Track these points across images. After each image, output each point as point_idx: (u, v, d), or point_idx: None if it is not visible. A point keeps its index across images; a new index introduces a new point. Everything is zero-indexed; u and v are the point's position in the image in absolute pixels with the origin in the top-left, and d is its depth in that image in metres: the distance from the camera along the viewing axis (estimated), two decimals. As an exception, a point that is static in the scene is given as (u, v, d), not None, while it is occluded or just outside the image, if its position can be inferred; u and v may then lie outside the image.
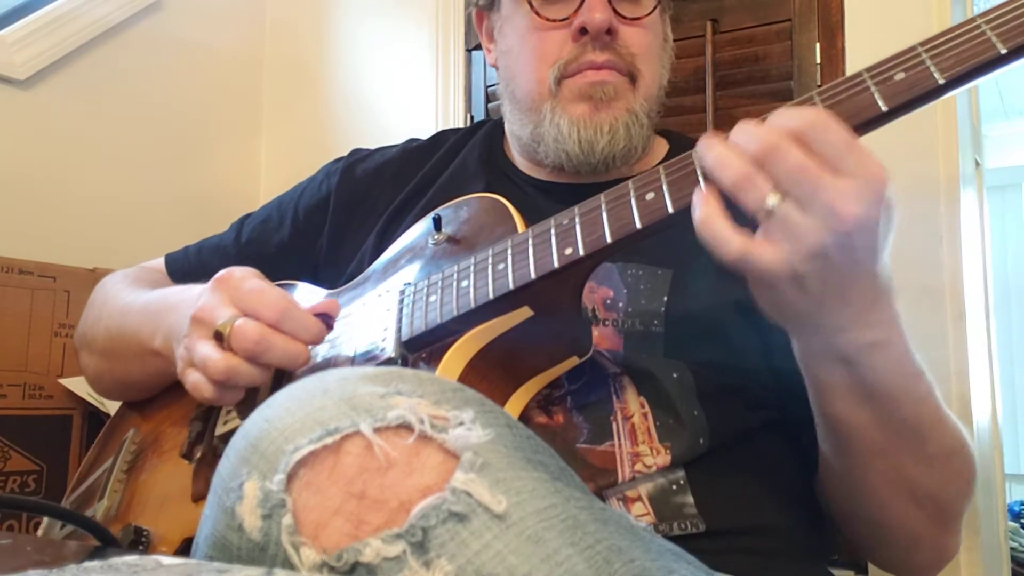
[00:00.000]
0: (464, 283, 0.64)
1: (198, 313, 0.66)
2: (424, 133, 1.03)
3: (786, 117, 0.51)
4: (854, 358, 0.56)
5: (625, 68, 0.80)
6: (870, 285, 0.55)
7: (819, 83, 1.41)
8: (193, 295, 0.70)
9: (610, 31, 0.79)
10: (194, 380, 0.66)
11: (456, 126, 1.72)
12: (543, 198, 0.84)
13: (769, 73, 1.46)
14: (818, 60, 1.41)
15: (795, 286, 0.52)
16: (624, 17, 0.80)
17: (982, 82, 0.53)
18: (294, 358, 0.64)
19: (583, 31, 0.79)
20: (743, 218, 0.52)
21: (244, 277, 0.68)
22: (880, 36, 1.38)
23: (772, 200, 0.49)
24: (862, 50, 1.39)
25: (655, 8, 0.83)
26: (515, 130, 0.87)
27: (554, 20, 0.80)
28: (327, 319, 0.67)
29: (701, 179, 0.54)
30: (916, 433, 0.61)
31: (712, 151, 0.52)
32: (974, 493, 0.68)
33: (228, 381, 0.64)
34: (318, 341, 0.66)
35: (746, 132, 0.51)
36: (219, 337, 0.64)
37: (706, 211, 0.51)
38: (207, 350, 0.64)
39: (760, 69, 1.47)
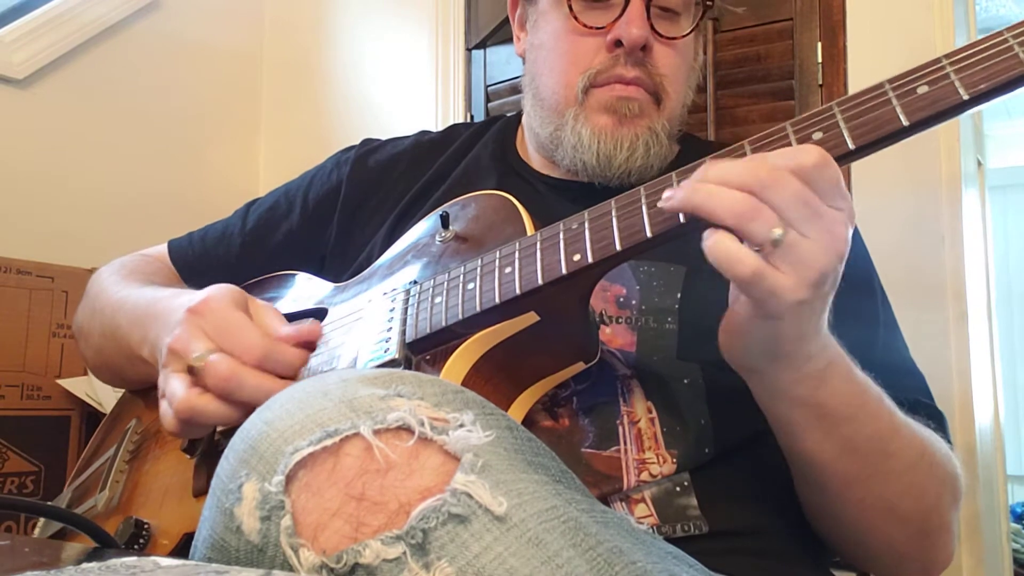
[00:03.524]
0: (470, 285, 0.63)
1: (173, 344, 0.64)
2: (424, 132, 1.02)
3: (785, 156, 0.52)
4: (816, 385, 0.57)
5: (652, 87, 0.79)
6: (828, 308, 0.56)
7: (820, 83, 1.41)
8: (178, 306, 0.67)
9: (645, 47, 0.78)
10: (162, 410, 0.64)
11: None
12: (555, 197, 0.84)
13: (770, 72, 1.46)
14: (819, 59, 1.41)
15: (796, 315, 0.53)
16: (661, 35, 0.79)
17: (1006, 99, 0.52)
18: (269, 396, 0.62)
19: (618, 43, 0.78)
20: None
21: (222, 308, 0.65)
22: (882, 35, 1.37)
23: (778, 231, 0.50)
24: (863, 49, 1.38)
25: (692, 31, 0.82)
26: (534, 126, 0.87)
27: (591, 27, 0.79)
28: (309, 344, 0.66)
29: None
30: (879, 450, 0.61)
31: (701, 191, 0.52)
32: (958, 499, 0.67)
33: (191, 420, 0.62)
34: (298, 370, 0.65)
35: (739, 167, 0.51)
36: (192, 371, 0.62)
37: (716, 234, 0.51)
38: (176, 385, 0.63)
39: (761, 68, 1.46)
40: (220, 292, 0.67)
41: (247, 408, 0.61)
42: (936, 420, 0.70)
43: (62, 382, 1.35)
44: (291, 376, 0.63)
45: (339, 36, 1.98)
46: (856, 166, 1.32)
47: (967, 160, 1.33)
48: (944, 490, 0.65)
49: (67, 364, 1.36)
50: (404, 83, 1.86)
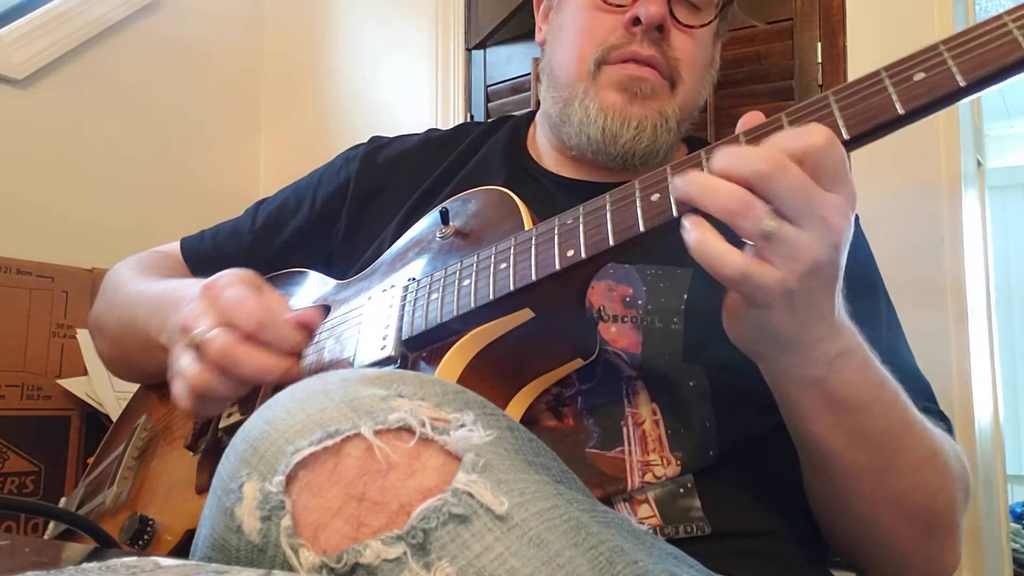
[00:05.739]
0: (466, 282, 0.63)
1: (183, 321, 0.66)
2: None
3: (791, 138, 0.50)
4: (825, 372, 0.56)
5: (667, 70, 0.80)
6: (836, 295, 0.55)
7: (820, 83, 1.41)
8: (194, 293, 0.69)
9: (662, 28, 0.79)
10: (176, 390, 0.66)
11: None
12: (564, 195, 0.83)
13: (770, 72, 1.46)
14: (819, 59, 1.41)
15: (787, 305, 0.52)
16: (679, 21, 0.80)
17: (1004, 86, 0.49)
18: (266, 371, 0.63)
19: (636, 21, 0.79)
20: (732, 236, 0.52)
21: (228, 284, 0.66)
22: (881, 35, 1.37)
23: (771, 224, 0.49)
24: (863, 49, 1.38)
25: (711, 21, 0.83)
26: (547, 108, 0.87)
27: (612, 4, 0.81)
28: (309, 328, 0.67)
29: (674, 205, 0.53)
30: (891, 444, 0.60)
31: (694, 181, 0.51)
32: (967, 501, 0.67)
33: (203, 394, 0.64)
34: (297, 352, 0.66)
35: (739, 154, 0.50)
36: (197, 348, 0.64)
37: (700, 233, 0.51)
38: (186, 361, 0.64)
39: (761, 68, 1.46)
40: (234, 271, 0.69)
41: (248, 383, 0.64)
42: (943, 423, 0.70)
43: (62, 382, 1.35)
44: (288, 353, 0.65)
45: (339, 36, 1.98)
46: (856, 166, 1.32)
47: (967, 160, 1.33)
48: (957, 493, 0.65)
49: (67, 364, 1.37)
50: (404, 83, 1.86)
